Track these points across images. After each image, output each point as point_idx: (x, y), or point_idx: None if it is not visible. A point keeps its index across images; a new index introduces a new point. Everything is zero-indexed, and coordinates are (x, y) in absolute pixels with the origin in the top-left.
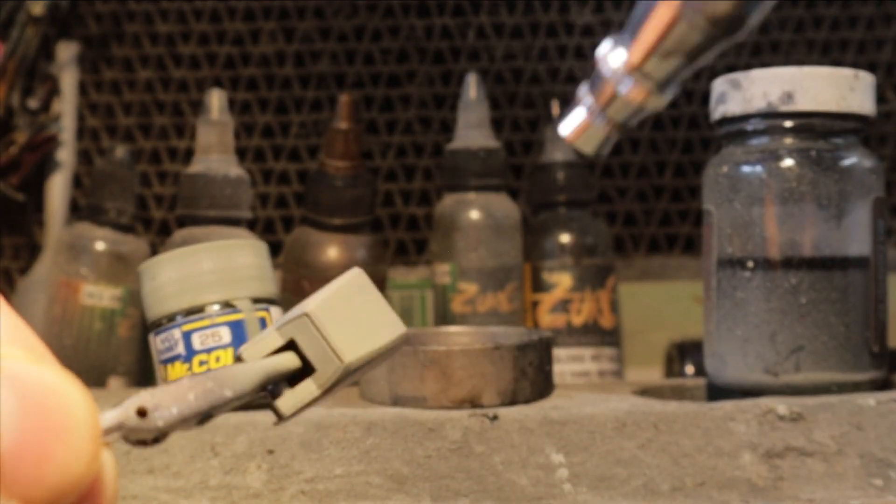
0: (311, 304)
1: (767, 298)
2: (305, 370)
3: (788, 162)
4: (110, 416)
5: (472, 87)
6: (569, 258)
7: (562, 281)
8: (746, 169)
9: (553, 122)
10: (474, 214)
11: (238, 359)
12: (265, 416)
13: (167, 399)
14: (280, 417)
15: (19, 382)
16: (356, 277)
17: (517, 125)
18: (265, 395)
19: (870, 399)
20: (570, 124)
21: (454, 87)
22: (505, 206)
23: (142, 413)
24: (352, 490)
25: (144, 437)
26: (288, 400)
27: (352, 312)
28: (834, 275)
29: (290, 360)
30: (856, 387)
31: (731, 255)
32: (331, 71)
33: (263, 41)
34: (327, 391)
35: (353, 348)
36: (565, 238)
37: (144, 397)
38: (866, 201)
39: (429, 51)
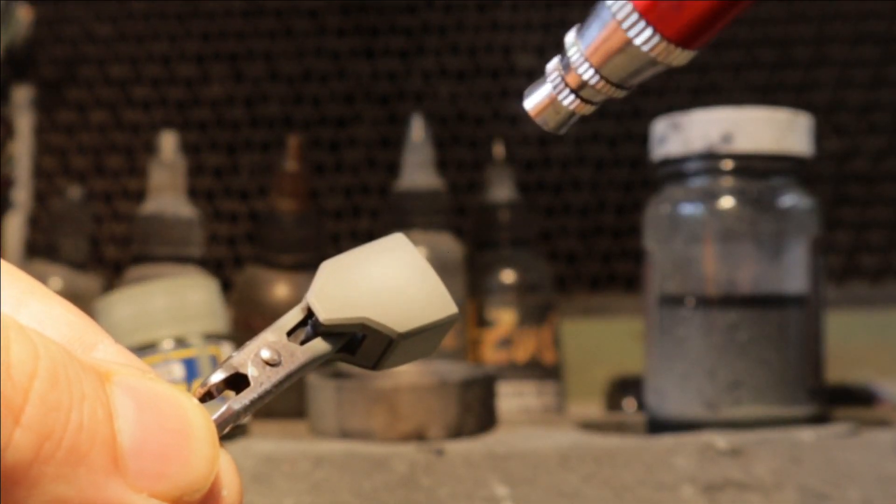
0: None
1: (707, 335)
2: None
3: (727, 202)
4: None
5: (417, 129)
6: (512, 295)
7: (505, 318)
8: (686, 209)
9: (496, 162)
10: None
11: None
12: None
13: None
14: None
15: (135, 390)
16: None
17: (461, 166)
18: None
19: (807, 433)
20: (535, 99)
21: (400, 129)
22: (449, 245)
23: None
24: None
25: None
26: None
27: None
28: (772, 312)
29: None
30: (794, 421)
31: (672, 293)
32: (279, 113)
33: (214, 84)
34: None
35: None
36: (508, 276)
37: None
38: (804, 240)
39: (375, 93)
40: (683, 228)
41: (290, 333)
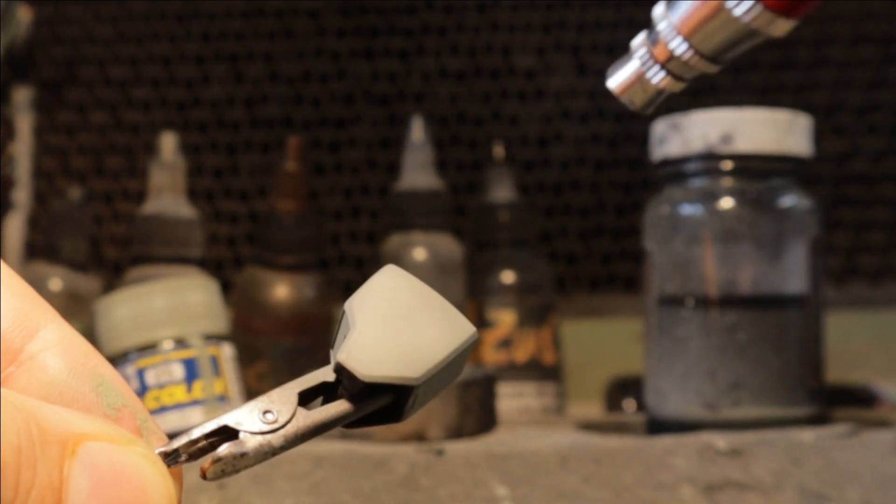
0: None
1: (706, 336)
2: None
3: (727, 202)
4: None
5: (416, 130)
6: (512, 296)
7: (505, 318)
8: (686, 209)
9: (496, 163)
10: (419, 254)
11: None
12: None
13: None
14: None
15: (96, 465)
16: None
17: (461, 166)
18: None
19: (807, 434)
20: (620, 77)
21: (400, 130)
22: (449, 246)
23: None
24: None
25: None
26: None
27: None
28: (771, 313)
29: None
30: (793, 422)
31: (672, 294)
32: (279, 114)
33: (213, 85)
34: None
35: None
36: (508, 277)
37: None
38: (803, 241)
39: (375, 94)
40: (683, 229)
41: (303, 394)
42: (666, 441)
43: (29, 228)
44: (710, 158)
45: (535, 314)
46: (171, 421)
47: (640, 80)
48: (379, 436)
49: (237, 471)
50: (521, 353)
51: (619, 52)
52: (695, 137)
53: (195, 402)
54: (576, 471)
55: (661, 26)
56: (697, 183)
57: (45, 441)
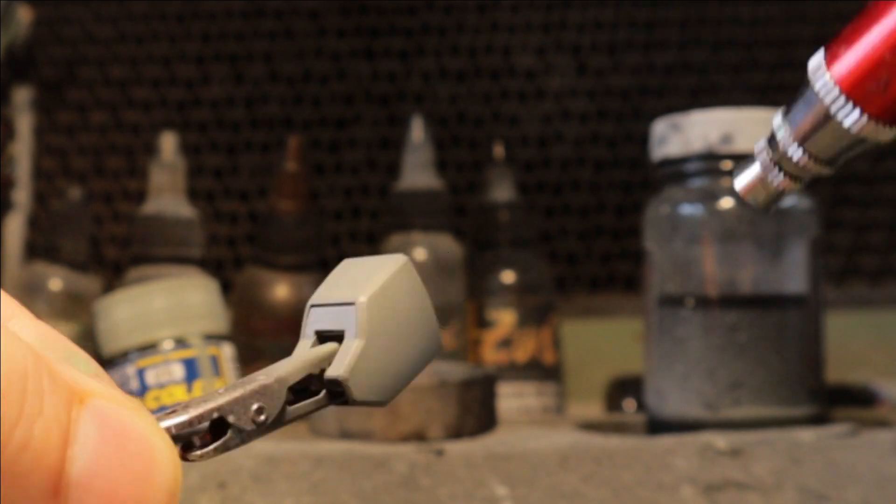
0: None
1: (706, 336)
2: None
3: (727, 202)
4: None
5: (416, 130)
6: (512, 296)
7: (505, 318)
8: (686, 209)
9: (496, 163)
10: (419, 254)
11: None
12: None
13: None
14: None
15: (105, 418)
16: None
17: (461, 166)
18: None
19: (807, 434)
20: (744, 179)
21: (400, 130)
22: (449, 246)
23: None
24: None
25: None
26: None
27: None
28: (771, 313)
29: (330, 347)
30: (793, 422)
31: (672, 294)
32: (279, 114)
33: (214, 85)
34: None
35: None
36: (508, 277)
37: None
38: (803, 241)
39: (375, 94)
40: (683, 229)
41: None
42: (666, 441)
43: (29, 228)
44: (710, 158)
45: (536, 314)
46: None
47: (762, 182)
48: (379, 435)
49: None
50: (522, 353)
51: (620, 51)
52: (695, 137)
53: None
54: (576, 470)
55: (780, 135)
56: (697, 183)
57: (55, 383)
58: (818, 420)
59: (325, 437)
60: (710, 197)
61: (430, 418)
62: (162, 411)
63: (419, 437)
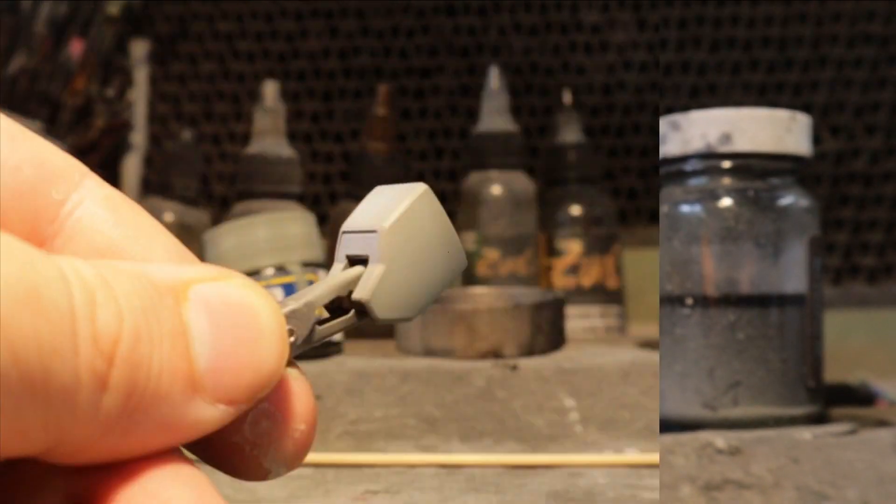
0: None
1: (706, 335)
2: None
3: (726, 202)
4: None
5: (493, 79)
6: (579, 228)
7: (573, 247)
8: (685, 208)
9: (564, 108)
10: (496, 190)
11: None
12: (312, 367)
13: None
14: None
15: (209, 305)
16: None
17: (533, 111)
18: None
19: (806, 433)
20: None
21: (478, 79)
22: (523, 183)
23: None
24: (390, 431)
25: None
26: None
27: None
28: (771, 312)
29: (357, 271)
30: (792, 421)
31: (671, 293)
32: (370, 64)
33: (311, 38)
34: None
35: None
36: (576, 210)
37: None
38: (802, 240)
39: (456, 46)
40: (682, 228)
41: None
42: (665, 440)
43: (145, 167)
44: (709, 158)
45: (600, 243)
46: None
47: None
48: (459, 353)
49: None
50: (588, 279)
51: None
52: (694, 137)
53: None
54: (636, 384)
55: None
56: (697, 182)
57: (160, 294)
58: (817, 419)
59: (410, 354)
60: (709, 196)
61: (505, 337)
62: None
63: (495, 354)
